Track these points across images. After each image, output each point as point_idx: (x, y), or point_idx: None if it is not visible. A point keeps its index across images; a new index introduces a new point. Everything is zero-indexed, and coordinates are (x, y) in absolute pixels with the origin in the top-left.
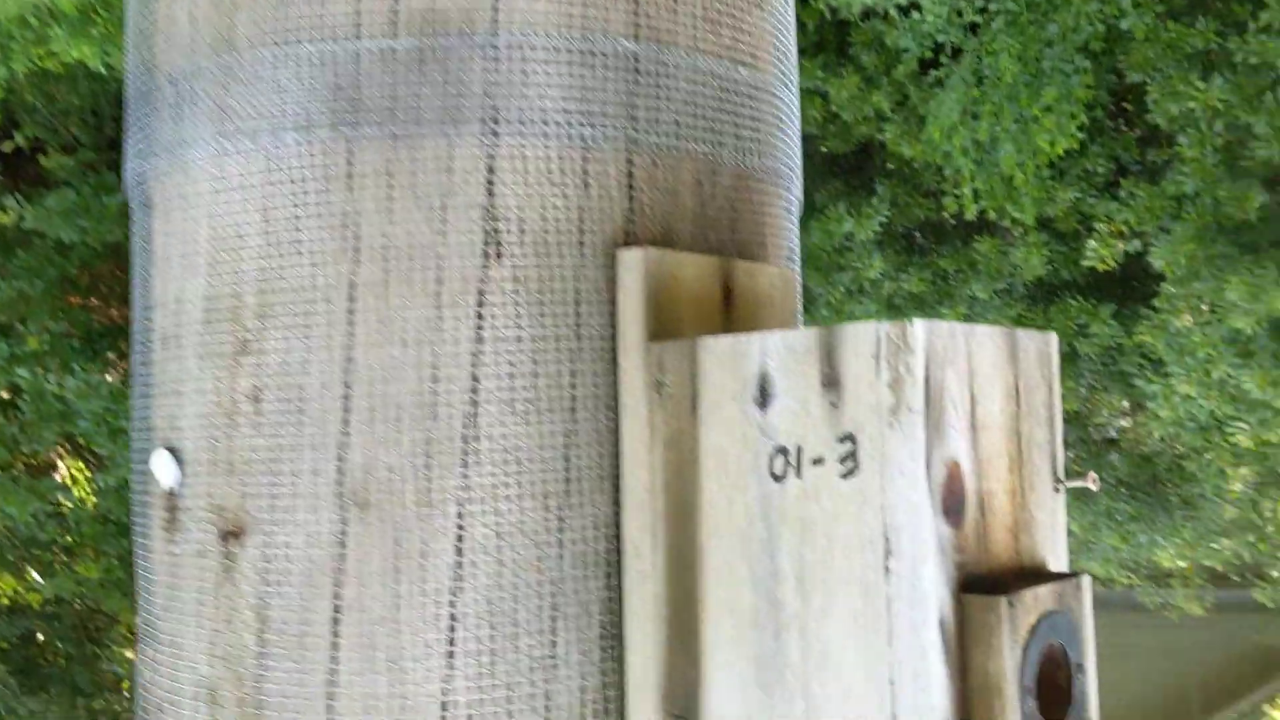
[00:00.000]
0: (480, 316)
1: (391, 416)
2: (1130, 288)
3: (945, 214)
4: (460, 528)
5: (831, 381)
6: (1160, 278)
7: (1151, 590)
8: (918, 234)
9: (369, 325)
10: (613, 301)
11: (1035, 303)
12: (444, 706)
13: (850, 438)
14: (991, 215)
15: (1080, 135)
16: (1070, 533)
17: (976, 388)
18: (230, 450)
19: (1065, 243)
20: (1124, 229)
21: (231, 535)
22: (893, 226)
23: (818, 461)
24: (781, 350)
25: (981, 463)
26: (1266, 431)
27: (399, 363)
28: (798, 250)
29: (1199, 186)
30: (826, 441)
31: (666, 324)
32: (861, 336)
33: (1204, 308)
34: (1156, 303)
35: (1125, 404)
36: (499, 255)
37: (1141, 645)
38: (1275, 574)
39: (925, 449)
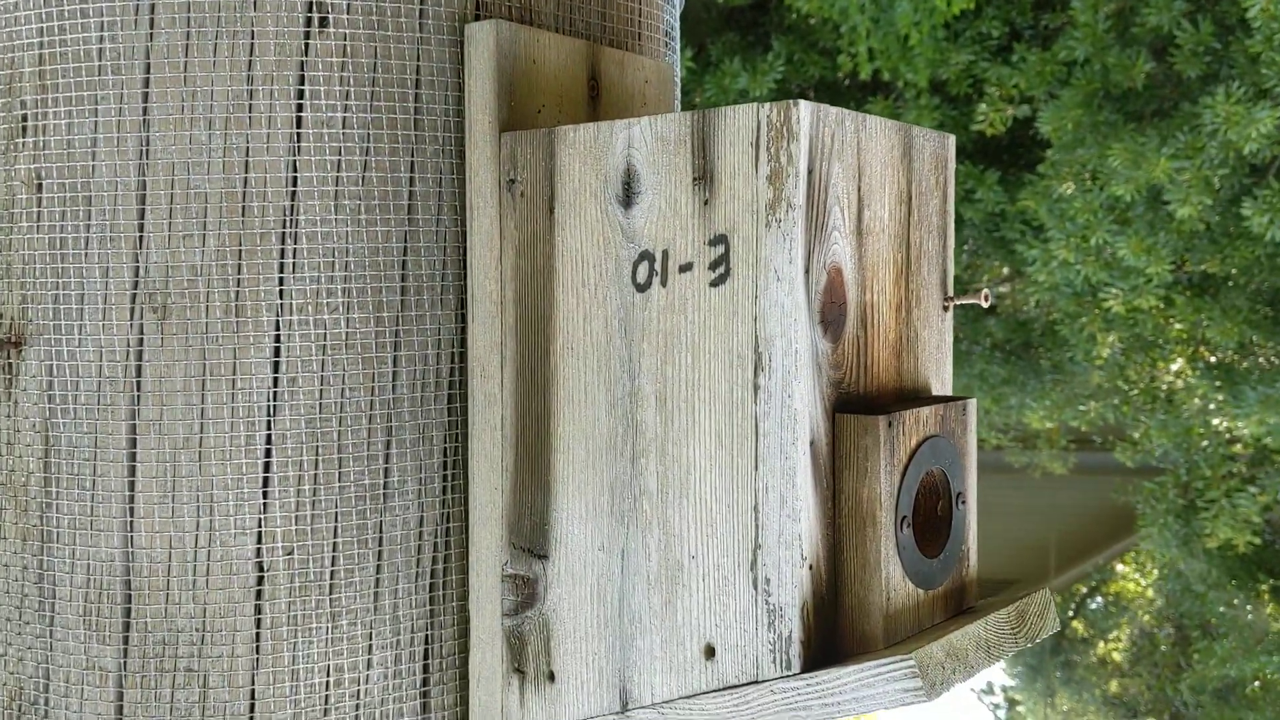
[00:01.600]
0: (301, 96)
1: (195, 211)
2: (1016, 154)
3: (840, 73)
4: (277, 340)
5: (704, 175)
6: (1046, 145)
7: (1018, 451)
8: (812, 93)
9: (167, 103)
10: (460, 86)
11: None
12: (259, 539)
13: (723, 240)
14: (885, 76)
15: None
16: None
17: (865, 187)
18: (6, 247)
19: (956, 107)
20: (1014, 93)
21: (10, 345)
22: (787, 84)
23: (685, 268)
24: (649, 140)
25: (866, 271)
26: (1137, 298)
27: (203, 148)
28: (677, 48)
29: (1089, 52)
30: (696, 245)
31: (522, 116)
32: (740, 122)
33: (1086, 175)
34: (1041, 169)
35: (1005, 270)
36: (323, 24)
37: (1005, 504)
38: (1136, 435)
39: (805, 251)
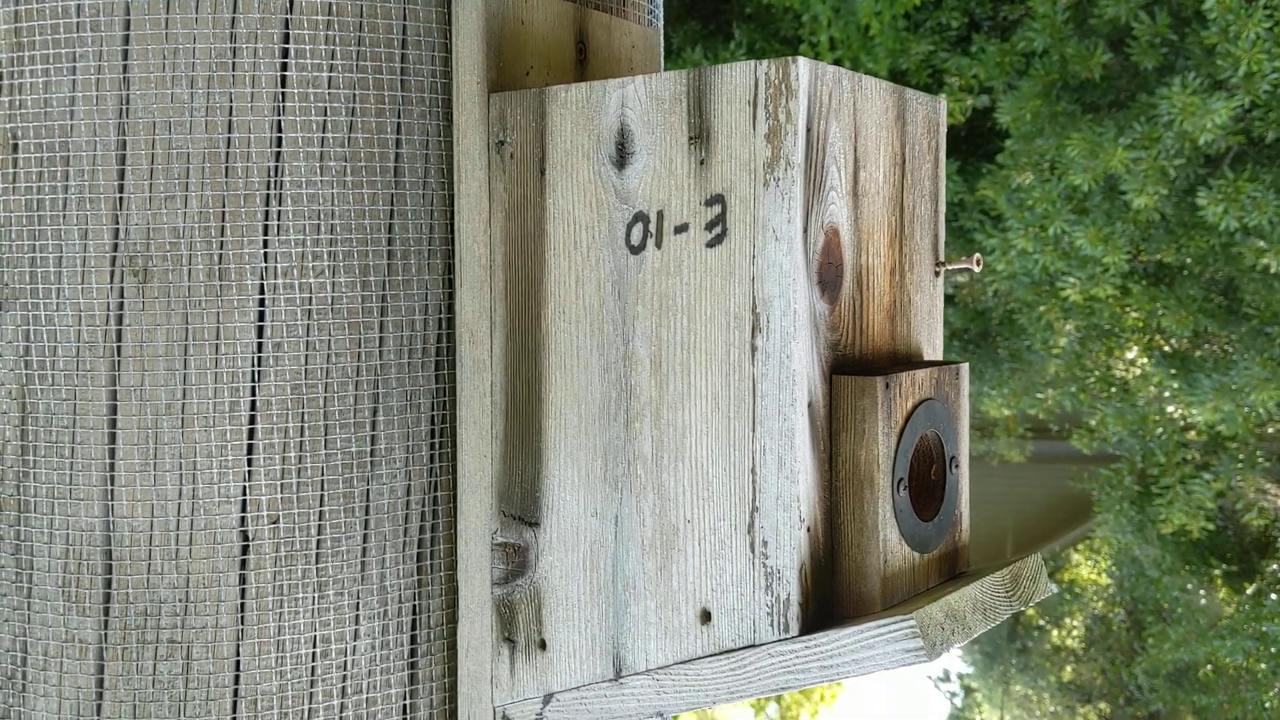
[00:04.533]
0: (285, 55)
1: (176, 171)
2: (976, 144)
3: None
4: (261, 304)
5: (700, 134)
6: (1005, 135)
7: (977, 439)
8: None
9: (147, 60)
10: (447, 47)
11: None
12: (244, 507)
13: (719, 199)
14: (846, 65)
15: None
16: None
17: (861, 148)
18: None
19: None
20: (973, 83)
21: None
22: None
23: (681, 229)
24: (644, 98)
25: (862, 233)
26: (1094, 287)
27: (185, 107)
28: (660, 15)
29: (1047, 43)
30: (692, 205)
31: (511, 77)
32: (738, 79)
33: (1045, 165)
34: (1000, 159)
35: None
36: None
37: None
38: (1093, 423)
39: (804, 211)
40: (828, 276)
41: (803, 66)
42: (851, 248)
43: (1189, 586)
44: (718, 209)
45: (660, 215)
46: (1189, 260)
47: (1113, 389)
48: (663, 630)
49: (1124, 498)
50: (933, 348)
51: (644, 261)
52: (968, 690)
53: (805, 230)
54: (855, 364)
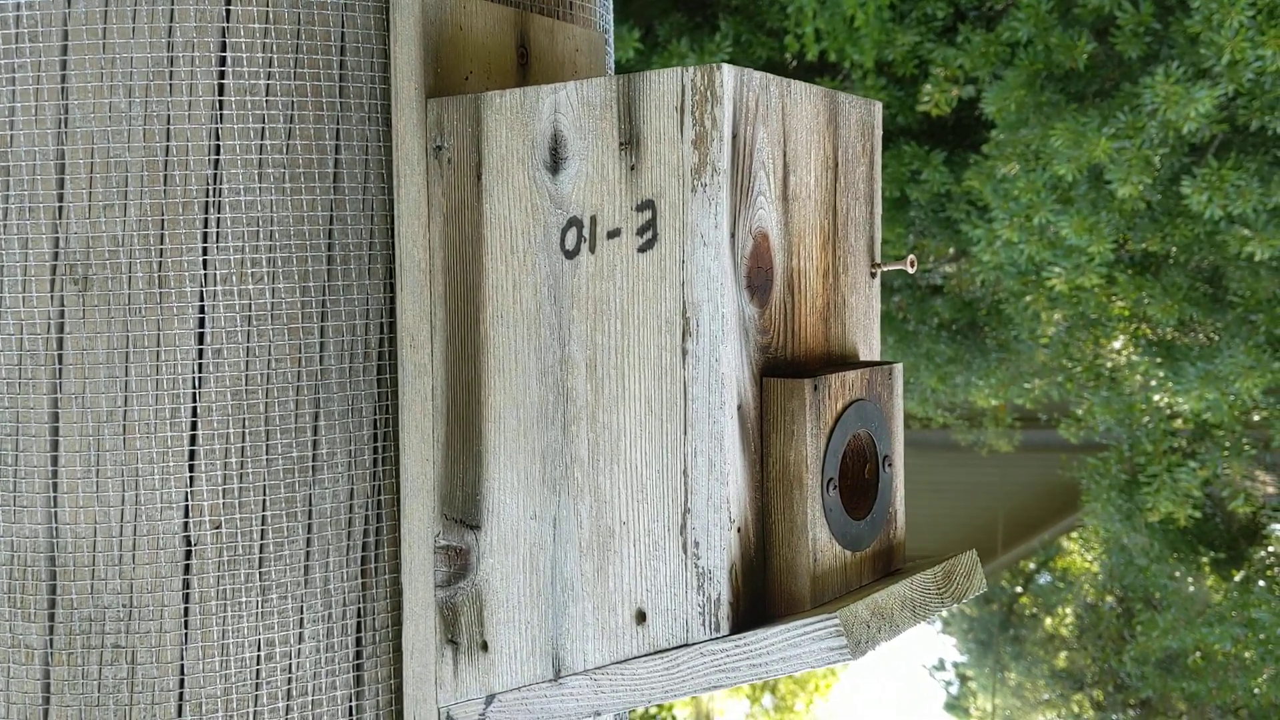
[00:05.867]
0: (223, 64)
1: (115, 180)
2: (962, 135)
3: (788, 54)
4: (201, 312)
5: (630, 140)
6: (990, 125)
7: (965, 429)
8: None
9: (85, 70)
10: (386, 53)
11: None
12: (186, 513)
13: (650, 205)
14: (832, 57)
15: None
16: None
17: (791, 153)
18: None
19: (902, 88)
20: (959, 74)
21: None
22: (735, 64)
23: (613, 234)
24: (576, 104)
25: (793, 237)
26: (1080, 276)
27: (123, 116)
28: (610, 16)
29: (1032, 33)
30: (623, 210)
31: (449, 83)
32: (665, 86)
33: (1030, 155)
34: (985, 149)
35: (951, 250)
36: None
37: (954, 482)
38: (1080, 412)
39: (730, 216)
40: (757, 280)
41: (727, 74)
42: (782, 251)
43: (1177, 574)
44: (648, 214)
45: (593, 220)
46: (1174, 249)
47: (1100, 378)
48: (600, 631)
49: (1112, 487)
50: (869, 348)
51: (578, 266)
52: (963, 679)
53: (733, 235)
54: (787, 366)
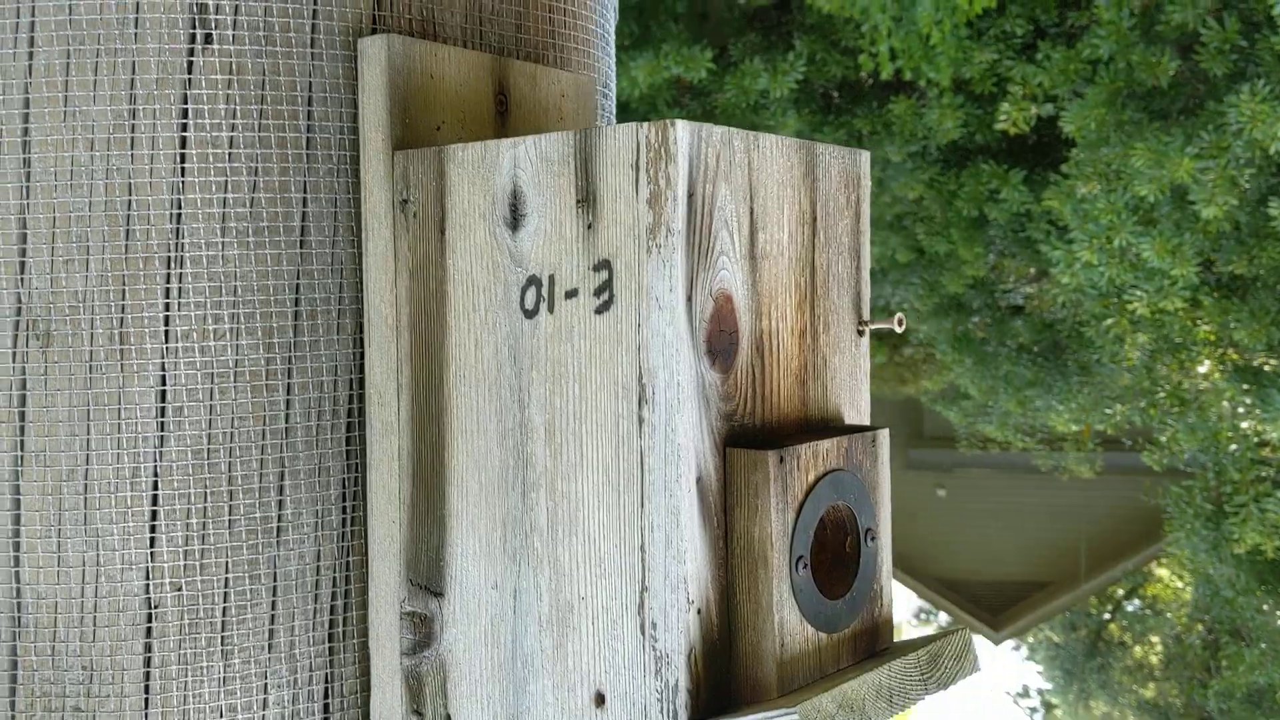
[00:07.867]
0: (184, 116)
1: (75, 235)
2: (1042, 154)
3: (863, 73)
4: (162, 369)
5: (587, 198)
6: (1070, 144)
7: (1045, 453)
8: (835, 93)
9: (45, 124)
10: (355, 103)
11: (949, 166)
12: (147, 574)
13: (606, 265)
14: (908, 75)
15: None
16: (968, 397)
17: (760, 209)
18: None
19: (980, 106)
20: (1037, 92)
21: None
22: (809, 84)
23: (571, 294)
24: (534, 160)
25: (762, 297)
26: (1162, 300)
27: (84, 170)
28: (611, 56)
29: (1113, 50)
30: (581, 270)
31: (419, 133)
32: (620, 142)
33: (1110, 175)
34: (1065, 168)
35: (1031, 270)
36: (208, 40)
37: (1035, 506)
38: (1163, 439)
39: (687, 278)
40: (719, 345)
41: (681, 130)
42: (749, 313)
43: (1265, 607)
44: (605, 274)
45: (552, 279)
46: (1262, 271)
47: (1184, 404)
48: (560, 711)
49: (1196, 515)
50: (857, 410)
51: (538, 326)
52: (1048, 706)
53: (689, 298)
54: (756, 434)
